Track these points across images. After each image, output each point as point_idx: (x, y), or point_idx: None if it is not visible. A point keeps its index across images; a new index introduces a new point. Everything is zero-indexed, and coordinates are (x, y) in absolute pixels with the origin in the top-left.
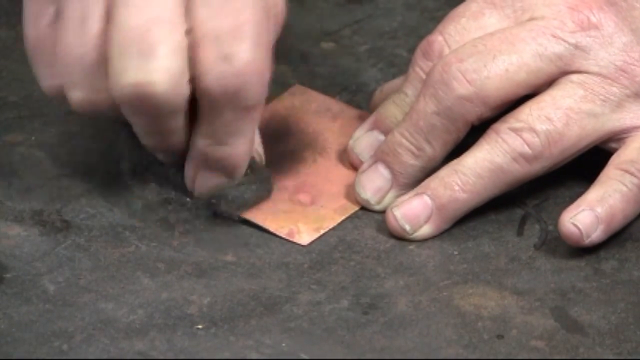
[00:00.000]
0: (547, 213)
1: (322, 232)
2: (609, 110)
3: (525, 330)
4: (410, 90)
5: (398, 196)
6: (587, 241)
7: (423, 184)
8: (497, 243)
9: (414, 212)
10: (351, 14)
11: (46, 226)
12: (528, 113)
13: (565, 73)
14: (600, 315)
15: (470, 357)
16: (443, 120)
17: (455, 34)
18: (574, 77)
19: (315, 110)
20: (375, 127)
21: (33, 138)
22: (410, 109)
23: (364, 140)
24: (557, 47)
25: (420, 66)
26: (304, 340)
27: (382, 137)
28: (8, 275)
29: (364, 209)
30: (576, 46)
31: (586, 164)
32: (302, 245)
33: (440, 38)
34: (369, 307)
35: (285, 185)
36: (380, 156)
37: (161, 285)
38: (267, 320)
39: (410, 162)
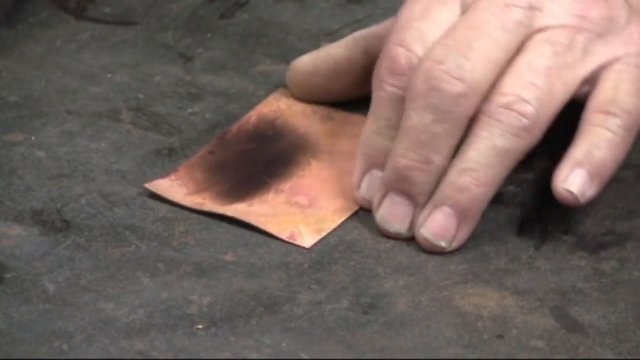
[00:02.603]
0: (547, 213)
1: (323, 233)
2: (580, 57)
3: (525, 330)
4: (389, 113)
5: (425, 215)
6: (584, 200)
7: (437, 194)
8: (497, 243)
9: (441, 227)
10: (351, 14)
11: (46, 226)
12: (511, 84)
13: (530, 35)
14: (600, 315)
15: (470, 357)
16: (445, 125)
17: (415, 41)
18: (539, 37)
19: (302, 113)
20: (371, 166)
21: (33, 138)
22: (403, 129)
23: (367, 184)
24: (515, 14)
25: (391, 84)
26: (304, 340)
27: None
28: (8, 275)
29: (364, 209)
30: (530, 7)
31: None
32: (305, 248)
33: (402, 50)
34: (369, 307)
35: (281, 188)
36: (391, 186)
37: (161, 285)
38: (267, 320)
39: (423, 180)
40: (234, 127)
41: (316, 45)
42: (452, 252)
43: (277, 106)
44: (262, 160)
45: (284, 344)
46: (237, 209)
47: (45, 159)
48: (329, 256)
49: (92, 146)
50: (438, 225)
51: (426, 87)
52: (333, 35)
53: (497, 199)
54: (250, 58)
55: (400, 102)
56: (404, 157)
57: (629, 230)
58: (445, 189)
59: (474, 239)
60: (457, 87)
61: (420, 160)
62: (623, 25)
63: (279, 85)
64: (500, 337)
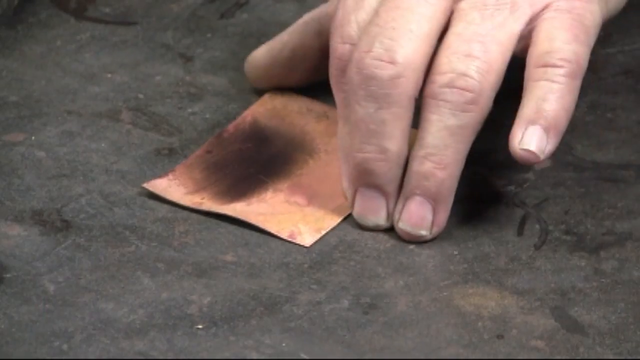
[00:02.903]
0: (547, 213)
1: (323, 232)
2: (509, 14)
3: (525, 330)
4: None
5: (400, 208)
6: (544, 156)
7: (405, 185)
8: (497, 243)
9: (417, 216)
10: None
11: (46, 226)
12: (447, 62)
13: (455, 3)
14: (600, 315)
15: (470, 357)
16: (389, 109)
17: (356, 34)
18: (463, 4)
19: (298, 111)
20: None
21: (33, 138)
22: (352, 124)
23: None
24: None
25: (345, 83)
26: (304, 340)
27: None
28: (8, 275)
29: None
30: None
31: (586, 163)
32: (305, 247)
33: (347, 47)
34: (369, 307)
35: (279, 187)
36: (357, 182)
37: (161, 285)
38: (267, 320)
39: (384, 169)
40: (230, 127)
41: None
42: (452, 252)
43: (272, 105)
44: (259, 160)
45: (284, 344)
46: (236, 208)
47: (45, 159)
48: (329, 256)
49: (92, 146)
50: (413, 215)
51: (361, 77)
52: None
53: (497, 199)
54: None
55: None
56: (360, 151)
57: (629, 230)
58: (411, 179)
59: (474, 239)
60: (390, 70)
61: (377, 151)
62: None
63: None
64: (500, 337)
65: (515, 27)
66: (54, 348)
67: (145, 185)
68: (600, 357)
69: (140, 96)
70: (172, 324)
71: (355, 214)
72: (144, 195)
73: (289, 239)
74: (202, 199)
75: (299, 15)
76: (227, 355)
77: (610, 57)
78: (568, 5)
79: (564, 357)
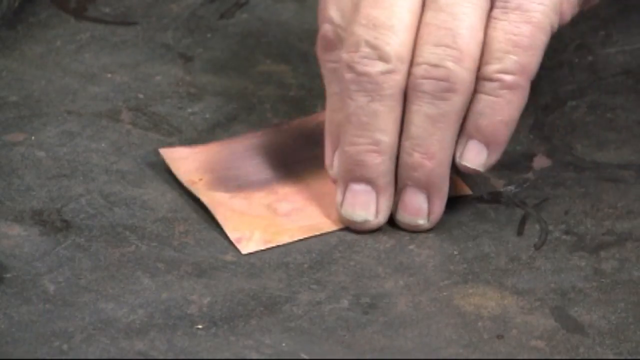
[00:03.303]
0: (547, 213)
1: (269, 245)
2: None
3: (525, 330)
4: (336, 87)
5: (389, 199)
6: (484, 169)
7: (398, 178)
8: (497, 243)
9: (413, 206)
10: None
11: (46, 226)
12: (419, 53)
13: None
14: (600, 315)
15: (470, 357)
16: (381, 102)
17: (336, 14)
18: None
19: None
20: (337, 144)
21: (33, 138)
22: (345, 119)
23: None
24: None
25: (328, 60)
26: (304, 340)
27: None
28: (8, 275)
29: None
30: None
31: (586, 163)
32: (242, 253)
33: (328, 26)
34: (369, 307)
35: (277, 190)
36: (347, 177)
37: (161, 285)
38: (267, 320)
39: (377, 161)
40: (297, 121)
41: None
42: (452, 252)
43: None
44: (286, 161)
45: (284, 344)
46: (215, 197)
47: (45, 159)
48: (329, 256)
49: (92, 146)
50: (408, 206)
51: (353, 75)
52: None
53: (497, 199)
54: (250, 58)
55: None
56: (352, 144)
57: (629, 230)
58: (402, 170)
59: (474, 239)
60: (380, 67)
61: (370, 143)
62: None
63: (279, 85)
64: (500, 337)
65: (483, 5)
66: (54, 348)
67: (162, 150)
68: (600, 357)
69: (140, 96)
70: (172, 324)
71: (344, 210)
72: (144, 194)
73: (234, 242)
74: (200, 179)
75: (299, 15)
76: (227, 355)
77: (610, 57)
78: (514, 2)
79: (564, 357)
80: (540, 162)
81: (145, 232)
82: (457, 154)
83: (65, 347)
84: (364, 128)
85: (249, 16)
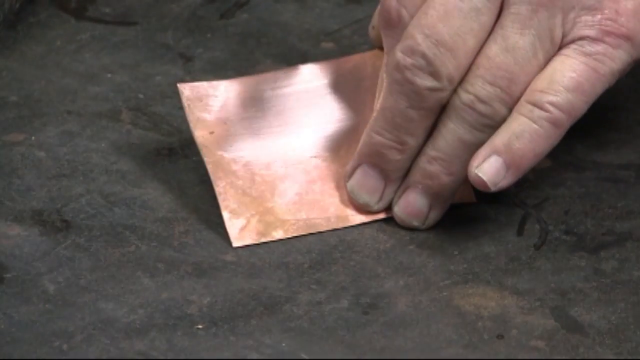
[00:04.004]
0: (547, 213)
1: (262, 240)
2: (548, 42)
3: (525, 330)
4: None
5: (395, 190)
6: (495, 188)
7: (410, 176)
8: (497, 243)
9: (414, 208)
10: (351, 14)
11: (46, 226)
12: (472, 83)
13: (502, 8)
14: (600, 315)
15: (470, 357)
16: (419, 111)
17: None
18: (507, 14)
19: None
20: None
21: (33, 138)
22: (380, 107)
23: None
24: None
25: (387, 35)
26: (304, 340)
27: None
28: (8, 275)
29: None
30: None
31: (586, 163)
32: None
33: (393, 3)
34: (369, 307)
35: (286, 161)
36: (364, 159)
37: (161, 285)
38: (267, 320)
39: (397, 157)
40: (331, 61)
41: (316, 45)
42: (452, 252)
43: (371, 65)
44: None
45: (284, 344)
46: (221, 162)
47: (45, 159)
48: (329, 256)
49: (92, 146)
50: (410, 205)
51: (401, 77)
52: (333, 35)
53: (497, 199)
54: (250, 58)
55: None
56: (379, 134)
57: (629, 230)
58: (416, 173)
59: (474, 239)
60: (429, 82)
61: (395, 140)
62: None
63: None
64: (500, 337)
65: (549, 51)
66: (54, 348)
67: (180, 85)
68: (600, 357)
69: (140, 96)
70: (172, 324)
71: (349, 186)
72: (144, 193)
73: (227, 228)
74: (211, 133)
75: (299, 15)
76: (227, 355)
77: None
78: (591, 48)
79: (564, 357)
80: (540, 162)
81: (145, 232)
82: (474, 163)
83: (65, 347)
84: (395, 127)
85: (249, 16)
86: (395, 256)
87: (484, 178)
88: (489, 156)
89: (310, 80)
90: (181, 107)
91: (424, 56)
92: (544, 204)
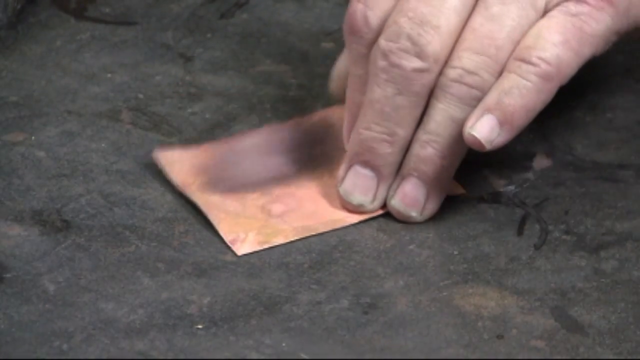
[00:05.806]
0: (547, 213)
1: (265, 246)
2: (529, 6)
3: (525, 330)
4: (359, 70)
5: (388, 188)
6: (490, 146)
7: (404, 165)
8: (497, 243)
9: (410, 197)
10: None
11: (46, 226)
12: (458, 57)
13: None
14: (600, 315)
15: (470, 357)
16: (407, 97)
17: None
18: None
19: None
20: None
21: (33, 138)
22: (367, 102)
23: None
24: None
25: (353, 42)
26: (304, 340)
27: None
28: (8, 275)
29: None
30: None
31: (586, 163)
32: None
33: (360, 6)
34: (369, 307)
35: (271, 191)
36: (355, 158)
37: (161, 285)
38: (267, 320)
39: (388, 151)
40: (290, 121)
41: (316, 45)
42: (452, 252)
43: (337, 117)
44: (280, 162)
45: (284, 344)
46: (209, 199)
47: (45, 159)
48: (329, 256)
49: (92, 146)
50: (407, 196)
51: (386, 64)
52: (333, 35)
53: (497, 199)
54: (250, 58)
55: (365, 58)
56: (368, 129)
57: (629, 230)
58: (411, 160)
59: (474, 239)
60: (415, 63)
61: (385, 132)
62: None
63: (279, 85)
64: (500, 337)
65: (532, 16)
66: (54, 348)
67: (155, 154)
68: (600, 357)
69: (140, 96)
70: (172, 324)
71: (342, 189)
72: (144, 194)
73: (229, 244)
74: (193, 182)
75: (299, 15)
76: (227, 355)
77: (610, 57)
78: (575, 9)
79: (564, 357)
80: (540, 162)
81: (145, 232)
82: (468, 124)
83: (65, 347)
84: (384, 118)
85: (249, 16)
86: (395, 256)
87: (478, 137)
88: (481, 116)
89: (281, 135)
90: (181, 107)
91: (409, 37)
92: (544, 204)
